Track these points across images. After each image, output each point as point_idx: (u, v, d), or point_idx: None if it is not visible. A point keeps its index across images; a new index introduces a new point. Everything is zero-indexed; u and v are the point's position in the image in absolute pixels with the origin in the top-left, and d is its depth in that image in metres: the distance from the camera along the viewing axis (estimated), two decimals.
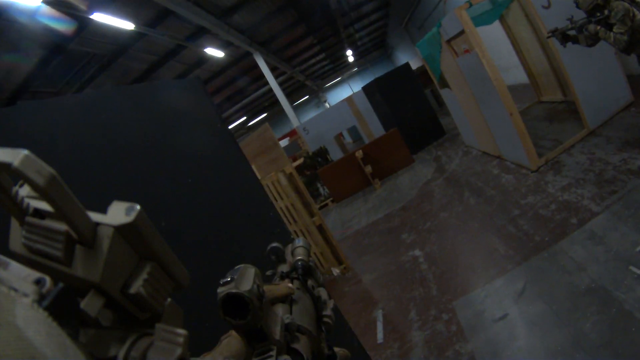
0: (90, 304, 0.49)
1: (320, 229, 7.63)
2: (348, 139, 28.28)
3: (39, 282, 0.49)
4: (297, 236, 7.56)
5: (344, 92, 45.29)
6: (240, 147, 3.43)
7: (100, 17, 10.62)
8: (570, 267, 4.36)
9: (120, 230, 0.51)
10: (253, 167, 7.16)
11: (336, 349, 1.15)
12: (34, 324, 0.40)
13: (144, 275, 0.53)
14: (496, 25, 9.42)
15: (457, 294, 5.17)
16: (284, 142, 25.53)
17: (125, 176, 2.23)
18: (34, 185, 0.44)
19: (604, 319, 3.53)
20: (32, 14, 9.22)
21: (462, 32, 7.17)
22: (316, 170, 14.81)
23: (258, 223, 3.20)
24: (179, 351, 0.51)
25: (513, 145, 7.49)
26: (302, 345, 0.92)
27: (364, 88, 16.10)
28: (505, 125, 7.35)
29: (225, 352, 0.84)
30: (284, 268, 1.21)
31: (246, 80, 27.68)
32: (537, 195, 6.20)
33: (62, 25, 10.30)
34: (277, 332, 0.85)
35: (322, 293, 1.18)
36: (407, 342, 4.87)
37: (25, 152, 0.44)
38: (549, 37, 5.59)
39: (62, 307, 0.47)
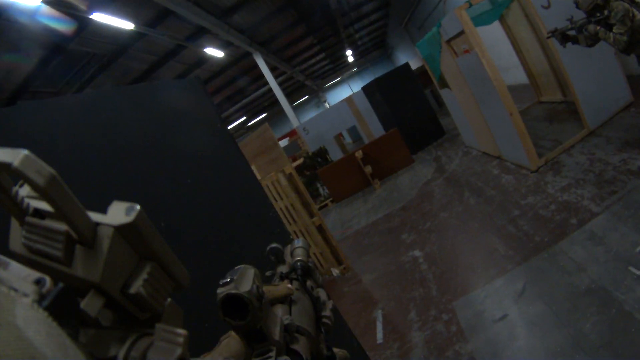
0: (90, 304, 0.49)
1: (320, 229, 7.63)
2: (348, 139, 28.30)
3: (39, 282, 0.49)
4: (297, 237, 7.57)
5: (344, 92, 45.31)
6: (239, 147, 3.43)
7: (100, 17, 10.62)
8: (570, 267, 4.36)
9: (120, 230, 0.51)
10: (253, 167, 7.18)
11: (335, 350, 1.15)
12: (34, 324, 0.40)
13: (144, 275, 0.53)
14: (496, 25, 9.43)
15: (457, 294, 5.17)
16: (283, 142, 25.57)
17: (125, 176, 2.23)
18: (34, 185, 0.44)
19: (603, 319, 3.53)
20: (32, 14, 9.22)
21: (462, 32, 7.17)
22: (316, 171, 14.81)
23: (258, 223, 3.20)
24: (179, 351, 0.51)
25: (513, 146, 7.49)
26: (301, 346, 0.92)
27: (363, 88, 16.10)
28: (505, 126, 7.35)
29: (224, 353, 0.84)
30: (283, 269, 1.21)
31: (246, 80, 27.68)
32: (537, 195, 6.20)
33: (62, 25, 10.31)
34: (276, 333, 0.85)
35: (321, 294, 1.18)
36: (406, 342, 4.87)
37: (25, 152, 0.44)
38: (548, 37, 5.59)
39: (62, 307, 0.47)
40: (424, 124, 14.27)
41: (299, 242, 1.29)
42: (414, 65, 20.02)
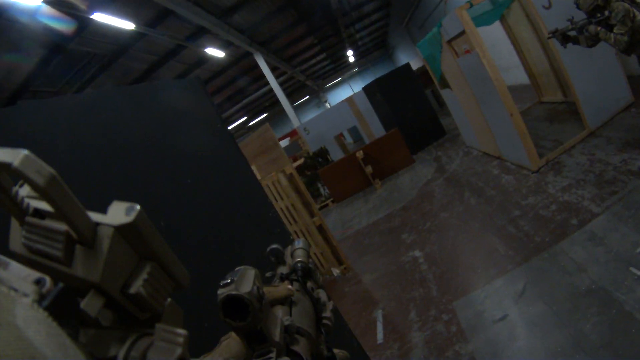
0: (90, 304, 0.49)
1: (321, 229, 7.63)
2: (349, 140, 28.32)
3: (39, 282, 0.49)
4: (297, 237, 7.58)
5: (345, 92, 45.29)
6: (240, 147, 3.43)
7: (101, 17, 10.63)
8: (570, 267, 4.36)
9: (120, 230, 0.51)
10: (253, 167, 7.18)
11: (336, 351, 1.15)
12: (34, 324, 0.40)
13: (144, 275, 0.53)
14: (497, 25, 9.43)
15: (457, 295, 5.17)
16: (284, 142, 25.57)
17: (125, 176, 2.23)
18: (34, 185, 0.44)
19: (604, 320, 3.53)
20: (33, 13, 9.23)
21: (462, 33, 7.17)
22: (316, 171, 14.81)
23: (258, 223, 3.20)
24: (179, 351, 0.51)
25: (513, 146, 7.49)
26: (301, 347, 0.92)
27: (364, 88, 16.12)
28: (505, 126, 7.35)
29: (224, 354, 0.84)
30: (283, 270, 1.21)
31: (246, 80, 27.69)
32: (538, 195, 6.20)
33: (62, 25, 10.31)
34: (276, 334, 0.85)
35: (322, 295, 1.18)
36: (407, 342, 4.87)
37: (25, 152, 0.44)
38: (549, 37, 5.59)
39: (62, 307, 0.47)
40: (424, 124, 14.27)
41: (299, 243, 1.29)
42: (415, 65, 20.04)
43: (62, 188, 0.46)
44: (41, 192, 0.44)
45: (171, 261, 0.57)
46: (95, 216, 0.51)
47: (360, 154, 12.93)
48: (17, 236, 0.51)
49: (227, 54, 19.60)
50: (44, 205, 0.49)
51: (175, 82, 3.29)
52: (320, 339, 1.07)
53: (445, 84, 10.02)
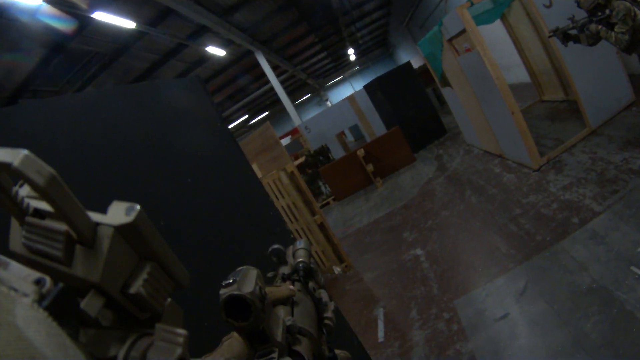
0: (90, 304, 0.49)
1: (322, 227, 7.63)
2: (350, 138, 28.32)
3: (39, 282, 0.49)
4: (299, 236, 7.59)
5: (346, 90, 45.27)
6: (241, 145, 3.42)
7: (102, 16, 10.62)
8: (571, 266, 4.36)
9: (120, 230, 0.51)
10: (254, 165, 7.18)
11: (337, 351, 1.15)
12: (34, 324, 0.40)
13: (144, 275, 0.53)
14: (497, 24, 9.42)
15: (458, 293, 5.17)
16: (285, 141, 25.55)
17: (125, 176, 2.23)
18: (34, 185, 0.44)
19: (605, 319, 3.53)
20: (33, 12, 9.23)
21: (463, 31, 7.17)
22: (318, 169, 14.81)
23: (258, 222, 3.20)
24: (179, 351, 0.51)
25: (515, 144, 7.49)
26: (303, 347, 0.92)
27: (365, 87, 16.12)
28: (506, 124, 7.35)
29: (226, 354, 0.85)
30: (285, 270, 1.21)
31: (247, 79, 27.66)
32: (539, 194, 6.19)
33: (63, 24, 10.31)
34: (278, 334, 0.85)
35: (323, 295, 1.18)
36: (407, 340, 4.88)
37: (25, 152, 0.44)
38: (550, 36, 5.59)
39: (62, 307, 0.47)
40: (425, 122, 14.27)
41: (301, 244, 1.29)
42: (416, 63, 20.02)
43: (62, 188, 0.46)
44: (41, 192, 0.44)
45: (171, 261, 0.57)
46: (95, 216, 0.51)
47: (361, 152, 12.93)
48: (17, 236, 0.51)
49: (228, 53, 19.59)
50: (44, 205, 0.49)
51: (175, 81, 3.28)
52: (322, 339, 1.07)
53: (446, 83, 10.01)
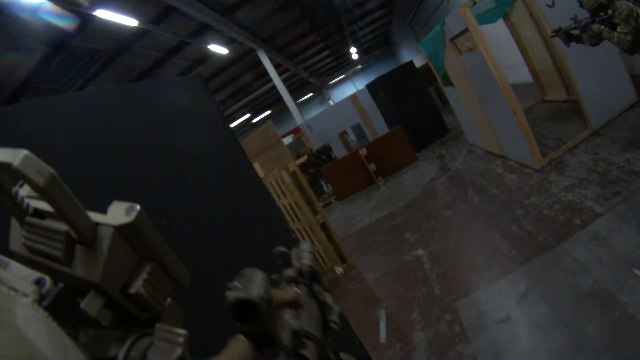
0: (90, 304, 0.50)
1: (324, 227, 7.63)
2: (352, 137, 28.34)
3: (39, 282, 0.50)
4: (301, 236, 7.60)
5: (348, 89, 45.32)
6: (243, 144, 3.42)
7: (103, 14, 10.64)
8: (573, 268, 4.36)
9: (120, 230, 0.51)
10: (256, 164, 7.18)
11: (342, 355, 1.15)
12: (34, 324, 0.40)
13: (144, 275, 0.53)
14: (500, 23, 9.42)
15: (460, 294, 5.16)
16: (287, 140, 25.58)
17: (125, 175, 2.22)
18: (34, 185, 0.44)
19: (606, 321, 3.53)
20: (35, 10, 9.24)
21: (465, 30, 7.16)
22: (320, 168, 14.82)
23: (260, 222, 3.19)
24: (178, 351, 0.51)
25: (517, 144, 7.49)
26: (310, 351, 0.92)
27: (368, 86, 16.13)
28: (508, 124, 7.35)
29: (232, 357, 0.85)
30: (290, 272, 1.21)
31: (250, 77, 27.71)
32: (541, 195, 6.19)
33: (64, 21, 10.33)
34: (285, 338, 0.85)
35: (328, 298, 1.18)
36: (409, 342, 4.87)
37: (25, 152, 0.44)
38: (552, 36, 5.59)
39: (62, 307, 0.47)
40: (427, 122, 14.28)
41: (305, 246, 1.30)
42: (418, 62, 20.05)
43: (62, 188, 0.46)
44: (41, 192, 0.44)
45: (171, 261, 0.58)
46: (95, 216, 0.51)
47: (363, 152, 12.93)
48: (17, 236, 0.52)
49: (230, 51, 19.63)
50: (44, 205, 0.49)
51: (177, 79, 3.29)
52: (327, 343, 1.07)
53: (448, 82, 10.01)
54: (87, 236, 0.49)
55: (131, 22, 11.86)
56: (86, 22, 10.95)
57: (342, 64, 44.30)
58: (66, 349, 0.42)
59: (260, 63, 21.78)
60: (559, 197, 5.83)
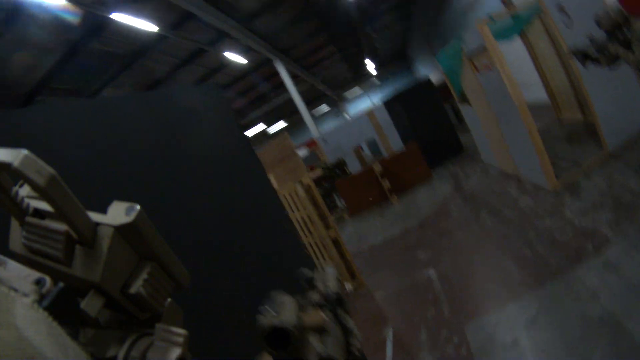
0: (90, 304, 0.50)
1: (336, 242, 7.60)
2: (367, 152, 28.39)
3: (39, 282, 0.50)
4: (314, 252, 7.58)
5: (364, 103, 45.34)
6: (258, 155, 3.44)
7: (123, 18, 10.79)
8: (583, 295, 4.30)
9: (120, 230, 0.51)
10: (271, 175, 7.19)
11: None
12: (34, 324, 0.41)
13: (144, 275, 0.54)
14: (517, 41, 9.39)
15: (469, 317, 5.11)
16: (302, 152, 25.62)
17: (130, 180, 2.23)
18: (34, 185, 0.44)
19: (614, 351, 3.48)
20: (55, 11, 9.36)
21: (483, 47, 7.15)
22: (334, 182, 14.83)
23: (259, 224, 3.19)
24: (178, 351, 0.51)
25: (531, 165, 7.44)
26: None
27: (385, 103, 16.21)
28: (524, 144, 7.30)
29: None
30: (315, 297, 1.23)
31: (266, 87, 27.85)
32: (554, 218, 6.13)
33: (83, 23, 10.45)
34: None
35: (350, 323, 1.19)
36: None
37: (25, 152, 0.44)
38: (570, 57, 5.56)
39: (62, 307, 0.48)
40: (443, 139, 14.28)
41: (330, 270, 1.32)
42: (434, 77, 20.03)
43: (62, 188, 0.46)
44: (41, 192, 0.45)
45: (171, 261, 0.58)
46: (95, 216, 0.51)
47: (378, 167, 12.92)
48: (17, 236, 0.52)
49: (247, 60, 19.71)
50: (44, 205, 0.50)
51: (194, 87, 3.31)
52: None
53: (464, 99, 9.99)
54: (87, 236, 0.49)
55: (150, 27, 11.99)
56: (105, 24, 11.11)
57: (358, 77, 44.39)
58: (66, 349, 0.42)
59: (276, 73, 21.87)
60: (571, 220, 5.76)
